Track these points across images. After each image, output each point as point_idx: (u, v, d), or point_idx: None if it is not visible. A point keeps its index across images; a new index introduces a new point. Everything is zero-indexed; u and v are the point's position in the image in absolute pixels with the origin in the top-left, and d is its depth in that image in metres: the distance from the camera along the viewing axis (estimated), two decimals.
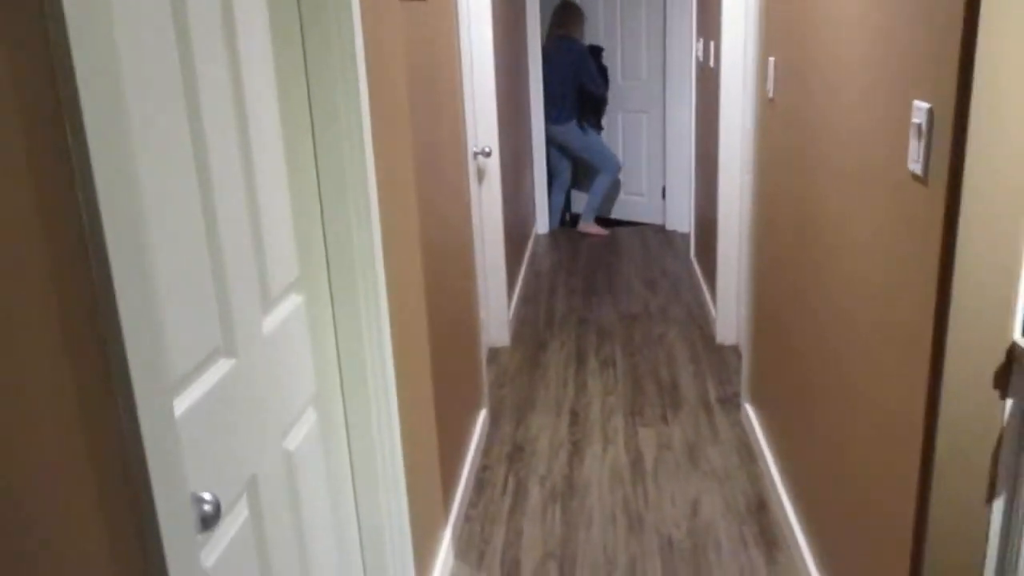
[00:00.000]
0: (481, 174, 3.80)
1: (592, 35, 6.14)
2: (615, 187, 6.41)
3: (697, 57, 4.94)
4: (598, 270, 5.32)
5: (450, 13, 2.90)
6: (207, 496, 1.06)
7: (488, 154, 3.69)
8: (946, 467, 1.51)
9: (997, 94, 1.31)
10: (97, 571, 0.80)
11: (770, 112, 2.79)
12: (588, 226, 6.16)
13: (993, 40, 1.29)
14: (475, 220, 3.34)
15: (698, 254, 5.07)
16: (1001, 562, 1.54)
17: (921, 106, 1.46)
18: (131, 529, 0.85)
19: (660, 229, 6.25)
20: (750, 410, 3.17)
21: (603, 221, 6.35)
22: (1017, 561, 1.52)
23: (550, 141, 6.18)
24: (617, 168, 6.15)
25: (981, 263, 1.39)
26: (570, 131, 6.01)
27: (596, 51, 6.04)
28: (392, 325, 1.82)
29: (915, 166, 1.50)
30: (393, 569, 1.86)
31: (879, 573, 1.78)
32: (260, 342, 1.35)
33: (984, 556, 1.55)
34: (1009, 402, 1.45)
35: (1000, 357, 1.43)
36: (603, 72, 6.05)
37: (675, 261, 5.45)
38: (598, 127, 6.18)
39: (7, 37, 0.68)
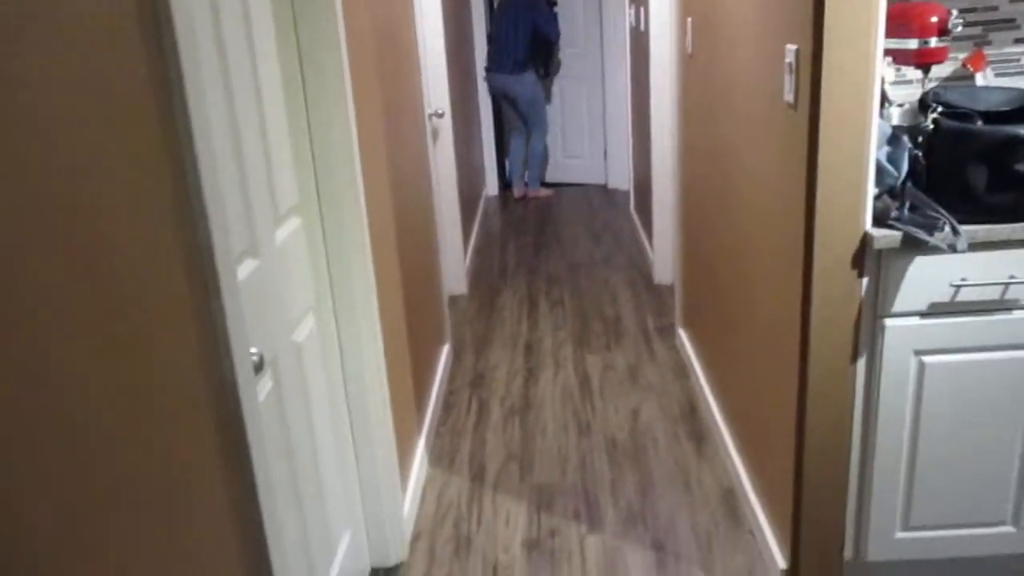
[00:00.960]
0: (435, 134, 4.13)
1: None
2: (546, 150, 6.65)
3: (630, 23, 5.31)
4: (546, 226, 5.70)
5: None
6: (254, 350, 1.40)
7: (441, 115, 4.01)
8: (819, 338, 1.91)
9: (842, 35, 1.69)
10: (192, 375, 1.14)
11: (690, 67, 3.17)
12: (536, 191, 6.47)
13: None
14: (432, 178, 3.67)
15: (637, 207, 5.47)
16: (865, 410, 1.96)
17: (791, 48, 1.85)
18: (216, 361, 1.19)
19: (602, 188, 6.65)
20: (683, 334, 3.59)
21: (544, 184, 6.67)
22: (877, 407, 1.94)
23: (500, 95, 6.18)
24: (547, 130, 6.40)
25: (836, 171, 1.79)
26: (524, 82, 6.00)
27: None
28: (372, 252, 2.17)
29: (789, 96, 1.89)
30: (378, 446, 2.22)
31: (777, 442, 2.19)
32: (274, 250, 1.69)
33: (852, 408, 1.96)
34: (864, 280, 1.86)
35: (856, 244, 1.83)
36: (554, 17, 6.09)
37: (616, 215, 5.85)
38: (548, 75, 6.36)
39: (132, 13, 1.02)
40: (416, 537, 2.51)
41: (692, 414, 3.11)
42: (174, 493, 1.04)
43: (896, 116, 2.02)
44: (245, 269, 1.54)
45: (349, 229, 2.03)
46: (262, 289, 1.60)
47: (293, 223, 1.86)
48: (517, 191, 6.48)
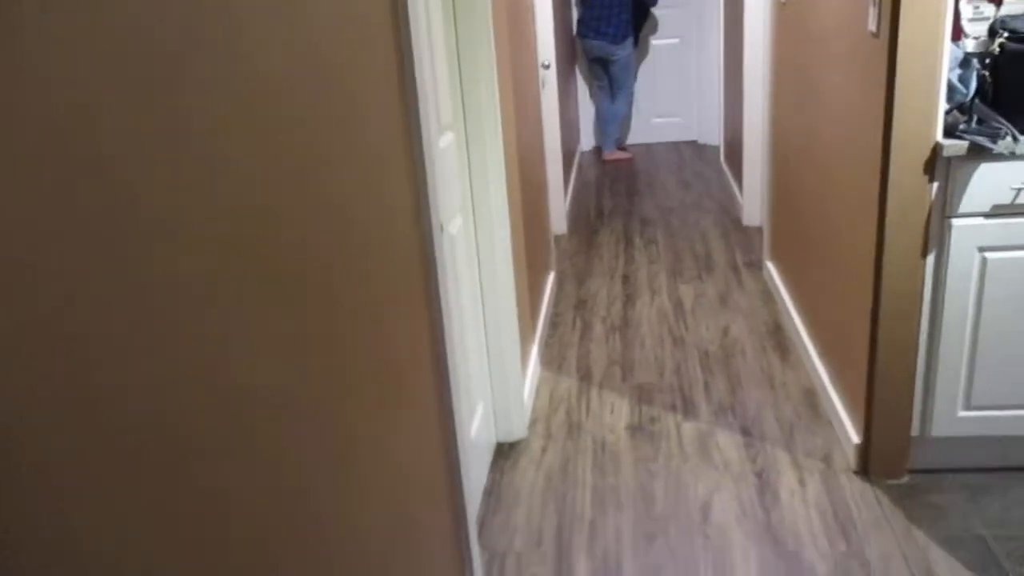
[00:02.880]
0: (543, 83, 4.49)
1: None
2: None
3: None
4: (638, 177, 6.02)
5: None
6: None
7: (547, 67, 4.37)
8: (893, 238, 2.22)
9: None
10: (407, 216, 1.55)
11: (781, 16, 3.45)
12: (612, 154, 6.62)
13: None
14: (542, 122, 4.04)
15: (727, 158, 5.74)
16: (933, 302, 2.26)
17: None
18: (421, 209, 1.60)
19: (693, 144, 6.91)
20: (770, 266, 3.89)
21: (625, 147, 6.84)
22: (944, 299, 2.23)
23: (595, 59, 6.35)
24: (633, 94, 6.59)
25: (912, 89, 2.08)
26: (625, 47, 6.14)
27: None
28: (506, 173, 2.56)
29: (872, 26, 2.19)
30: (504, 332, 2.63)
31: (855, 338, 2.50)
32: (440, 152, 2.10)
33: (921, 300, 2.27)
34: (934, 184, 2.16)
35: (927, 152, 2.13)
36: None
37: (707, 167, 6.12)
38: (637, 42, 6.56)
39: None
40: (533, 421, 2.92)
41: (777, 331, 3.43)
42: (399, 295, 1.46)
43: (971, 46, 2.29)
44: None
45: (489, 146, 2.42)
46: (441, 173, 2.01)
47: (449, 136, 2.26)
48: (607, 154, 6.67)
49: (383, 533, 1.32)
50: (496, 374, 2.70)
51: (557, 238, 4.82)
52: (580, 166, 6.49)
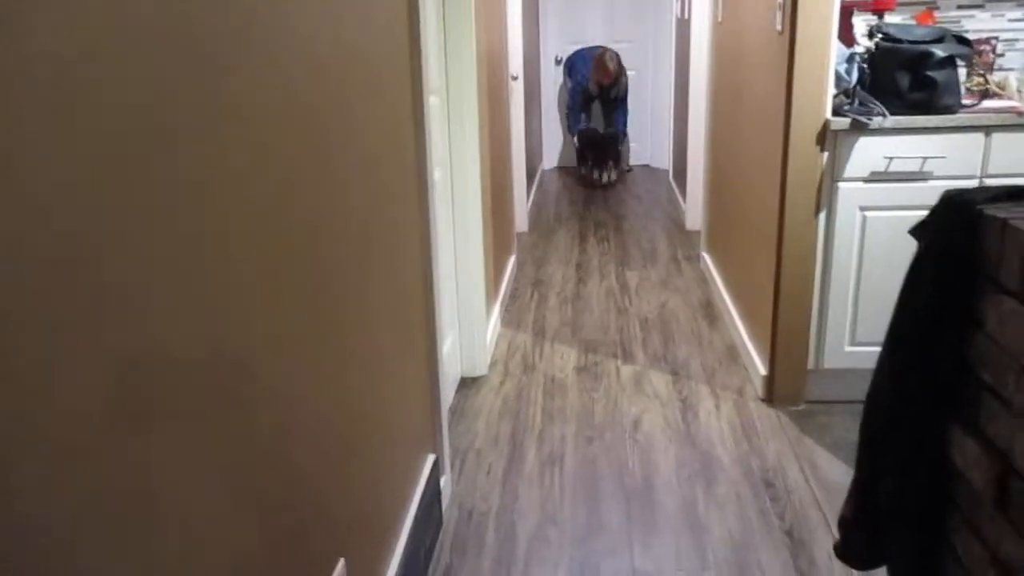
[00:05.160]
0: (511, 92, 5.01)
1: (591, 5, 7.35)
2: None
3: (676, 14, 6.16)
4: (595, 191, 6.55)
5: None
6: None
7: (516, 78, 4.90)
8: (793, 199, 2.73)
9: None
10: (411, 163, 2.01)
11: (719, 33, 4.02)
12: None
13: None
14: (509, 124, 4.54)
15: (675, 175, 6.31)
16: (824, 252, 2.77)
17: None
18: (420, 157, 2.06)
19: (646, 167, 7.49)
20: (706, 256, 4.41)
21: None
22: (833, 250, 2.75)
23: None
24: None
25: (808, 77, 2.62)
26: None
27: None
28: (479, 139, 3.04)
29: (779, 27, 2.73)
30: (474, 274, 3.09)
31: (764, 289, 2.99)
32: (430, 111, 2.57)
33: (815, 251, 2.78)
34: (825, 154, 2.68)
35: (819, 127, 2.66)
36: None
37: (657, 185, 6.69)
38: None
39: None
40: (494, 363, 3.37)
41: (708, 306, 3.93)
42: (401, 228, 1.92)
43: (860, 49, 2.84)
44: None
45: (467, 109, 2.91)
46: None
47: (434, 100, 2.74)
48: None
49: (381, 406, 1.77)
50: (464, 313, 3.15)
51: (519, 234, 5.30)
52: (542, 181, 7.02)
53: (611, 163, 6.64)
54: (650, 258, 4.74)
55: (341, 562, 1.44)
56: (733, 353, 3.38)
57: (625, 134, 6.90)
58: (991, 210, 1.32)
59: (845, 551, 1.72)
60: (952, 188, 1.47)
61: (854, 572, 2.03)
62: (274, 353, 1.15)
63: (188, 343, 0.91)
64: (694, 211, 5.26)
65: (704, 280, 4.30)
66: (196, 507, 0.92)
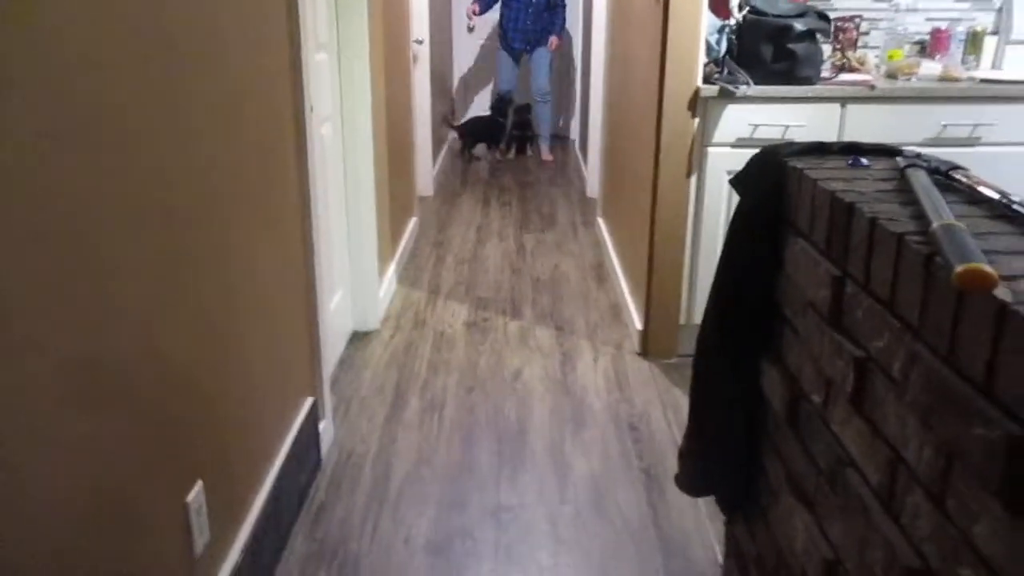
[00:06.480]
0: (415, 59, 5.05)
1: None
2: None
3: None
4: (503, 161, 6.65)
5: None
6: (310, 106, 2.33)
7: (420, 43, 4.94)
8: (666, 162, 2.89)
9: None
10: (287, 111, 2.07)
11: (615, 8, 4.14)
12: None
13: None
14: (412, 92, 4.59)
15: (580, 146, 6.46)
16: (695, 213, 2.94)
17: None
18: (297, 105, 2.12)
19: (564, 138, 7.63)
20: (600, 222, 4.57)
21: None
22: (703, 210, 2.91)
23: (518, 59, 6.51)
24: None
25: (680, 46, 2.76)
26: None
27: None
28: (371, 88, 3.10)
29: None
30: (365, 230, 3.16)
31: (641, 251, 3.15)
32: (317, 66, 2.62)
33: (687, 211, 2.94)
34: (696, 120, 2.84)
35: (691, 94, 2.81)
36: None
37: (566, 156, 6.84)
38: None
39: None
40: (386, 319, 3.46)
41: (599, 267, 4.09)
42: (274, 179, 1.98)
43: (734, 23, 3.00)
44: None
45: (357, 68, 2.96)
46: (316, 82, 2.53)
47: (323, 56, 2.79)
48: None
49: (264, 357, 1.84)
50: (356, 269, 3.23)
51: (423, 199, 5.38)
52: (451, 149, 7.08)
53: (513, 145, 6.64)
54: (549, 222, 4.87)
55: (199, 483, 1.53)
56: (616, 311, 3.55)
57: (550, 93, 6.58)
58: (794, 162, 1.47)
59: (682, 481, 1.88)
60: (768, 144, 1.62)
61: (698, 501, 2.21)
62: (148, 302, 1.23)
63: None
64: (594, 179, 5.41)
65: (598, 244, 4.46)
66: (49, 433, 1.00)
